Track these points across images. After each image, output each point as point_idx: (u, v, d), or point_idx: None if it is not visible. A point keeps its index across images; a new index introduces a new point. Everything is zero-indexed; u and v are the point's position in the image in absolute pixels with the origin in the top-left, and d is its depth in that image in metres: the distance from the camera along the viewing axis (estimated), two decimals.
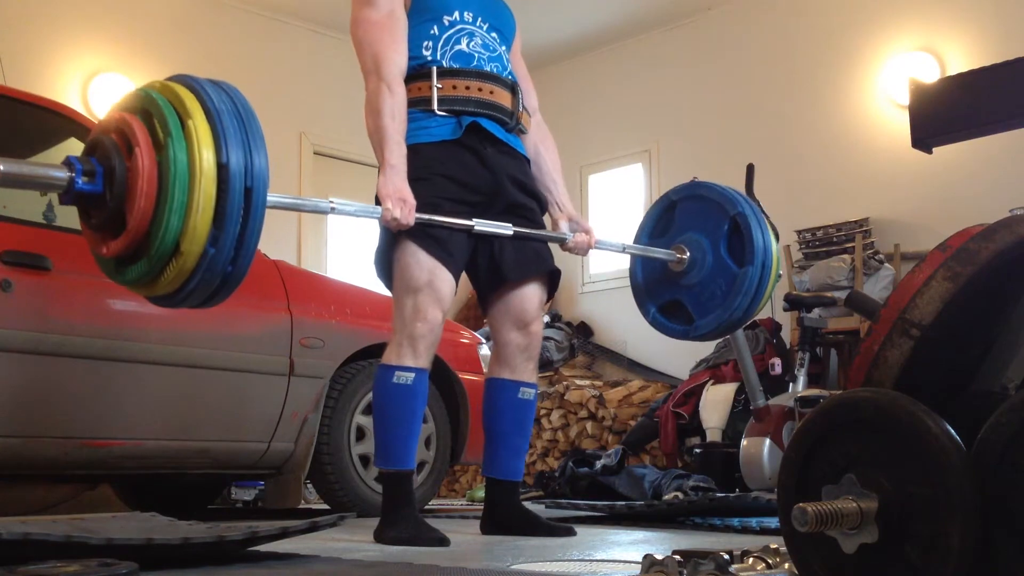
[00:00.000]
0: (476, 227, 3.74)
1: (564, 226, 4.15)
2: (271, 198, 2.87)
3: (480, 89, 3.91)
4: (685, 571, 1.93)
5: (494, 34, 4.11)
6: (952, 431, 1.55)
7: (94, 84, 8.60)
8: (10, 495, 4.75)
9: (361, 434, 5.29)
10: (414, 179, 3.74)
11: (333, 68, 10.20)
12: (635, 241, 4.57)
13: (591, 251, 4.37)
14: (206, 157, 2.70)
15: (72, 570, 2.17)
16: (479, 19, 4.05)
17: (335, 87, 10.17)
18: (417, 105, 3.90)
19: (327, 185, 10.14)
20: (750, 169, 7.10)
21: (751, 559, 2.00)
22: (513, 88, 4.10)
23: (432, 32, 3.92)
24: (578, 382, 9.39)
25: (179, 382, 4.71)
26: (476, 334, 6.26)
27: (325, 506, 5.56)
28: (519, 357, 4.09)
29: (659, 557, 1.98)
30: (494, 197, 3.90)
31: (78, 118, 4.88)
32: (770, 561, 1.99)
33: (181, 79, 2.89)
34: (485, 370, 5.85)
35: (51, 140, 4.89)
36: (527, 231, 3.92)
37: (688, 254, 4.49)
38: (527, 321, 4.05)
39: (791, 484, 1.71)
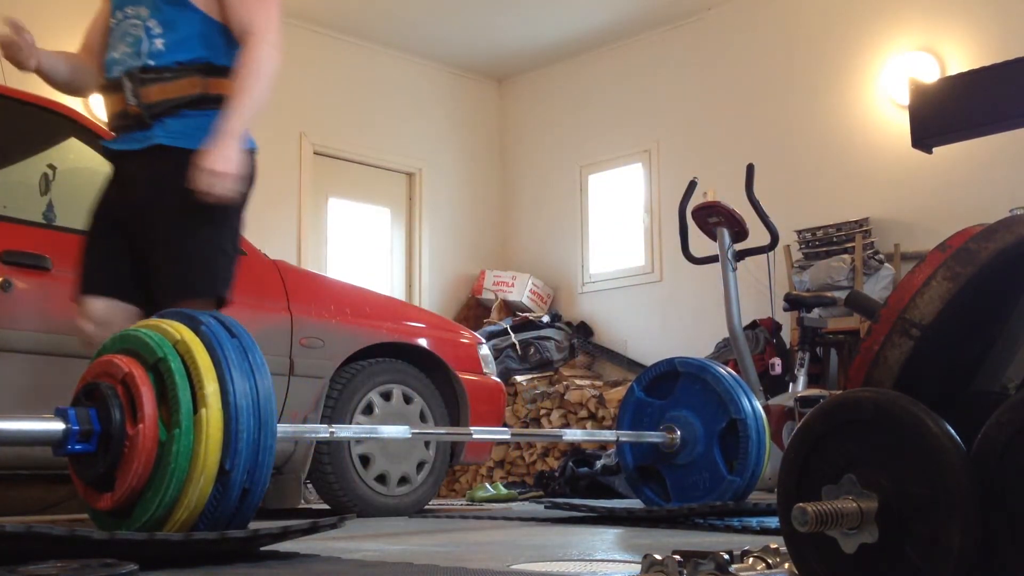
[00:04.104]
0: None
1: None
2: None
3: None
4: (685, 571, 1.93)
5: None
6: (952, 431, 1.55)
7: None
8: (9, 495, 4.75)
9: None
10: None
11: (333, 68, 10.21)
12: (630, 390, 4.68)
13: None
14: (211, 459, 2.63)
15: (73, 570, 2.16)
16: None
17: (335, 87, 10.18)
18: None
19: (327, 185, 10.14)
20: (750, 169, 7.11)
21: (751, 559, 2.00)
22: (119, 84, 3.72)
23: None
24: (578, 382, 9.39)
25: None
26: (476, 334, 6.26)
27: (325, 506, 5.56)
28: None
29: (659, 557, 1.98)
30: None
31: (78, 118, 4.87)
32: (770, 561, 1.99)
33: (209, 339, 2.77)
34: (486, 370, 5.87)
35: (51, 140, 4.89)
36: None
37: (678, 434, 4.59)
38: None
39: (791, 484, 1.71)
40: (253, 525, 2.88)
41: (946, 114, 1.92)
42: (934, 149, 1.99)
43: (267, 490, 4.79)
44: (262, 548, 2.94)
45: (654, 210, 10.20)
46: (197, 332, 2.79)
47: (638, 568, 2.02)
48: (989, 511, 1.52)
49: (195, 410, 2.66)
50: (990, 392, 1.88)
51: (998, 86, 1.83)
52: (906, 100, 2.25)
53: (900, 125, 8.22)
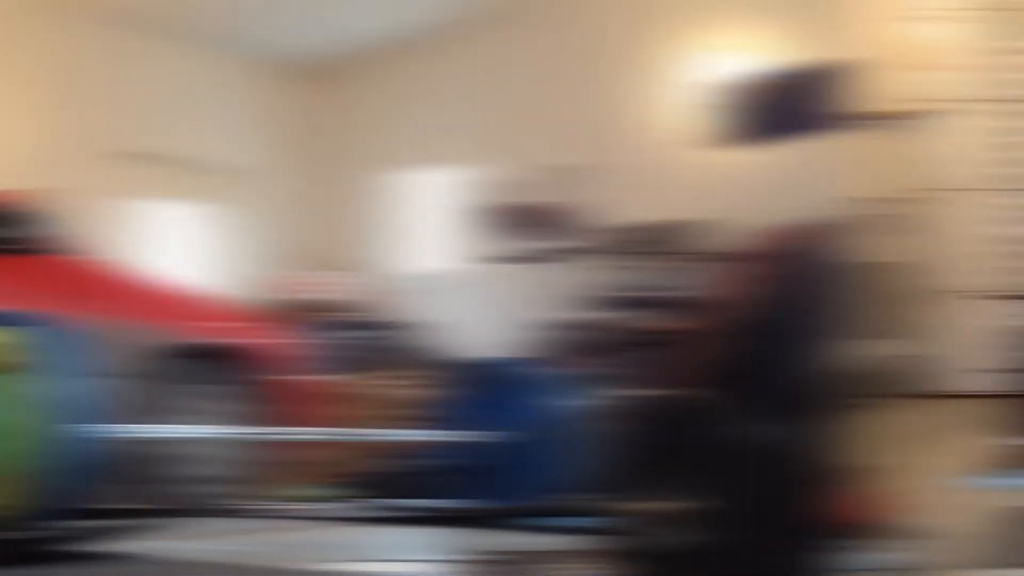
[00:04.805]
0: None
1: None
2: None
3: None
4: (495, 570, 1.95)
5: None
6: (764, 431, 1.58)
7: None
8: None
9: None
10: None
11: (146, 68, 9.98)
12: (451, 389, 4.75)
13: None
14: (23, 459, 2.58)
15: None
16: None
17: (146, 86, 9.96)
18: None
19: (138, 185, 9.92)
20: (566, 170, 7.16)
21: (565, 559, 2.03)
22: None
23: None
24: (399, 381, 9.36)
25: None
26: (296, 333, 6.21)
27: (140, 506, 5.47)
28: None
29: (474, 557, 2.00)
30: None
31: None
32: (584, 561, 2.02)
33: (22, 339, 2.72)
34: (304, 369, 5.83)
35: None
36: None
37: (497, 434, 4.66)
38: None
39: (610, 483, 1.74)
40: (68, 526, 2.83)
41: (756, 117, 1.97)
42: (748, 150, 2.04)
43: (80, 490, 4.68)
44: (74, 548, 2.88)
45: (471, 209, 10.21)
46: (8, 332, 2.73)
47: (451, 567, 2.03)
48: (800, 508, 1.56)
49: (6, 411, 2.60)
50: (804, 383, 1.93)
51: (798, 93, 1.89)
52: (719, 102, 2.31)
53: (711, 128, 8.35)
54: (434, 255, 10.54)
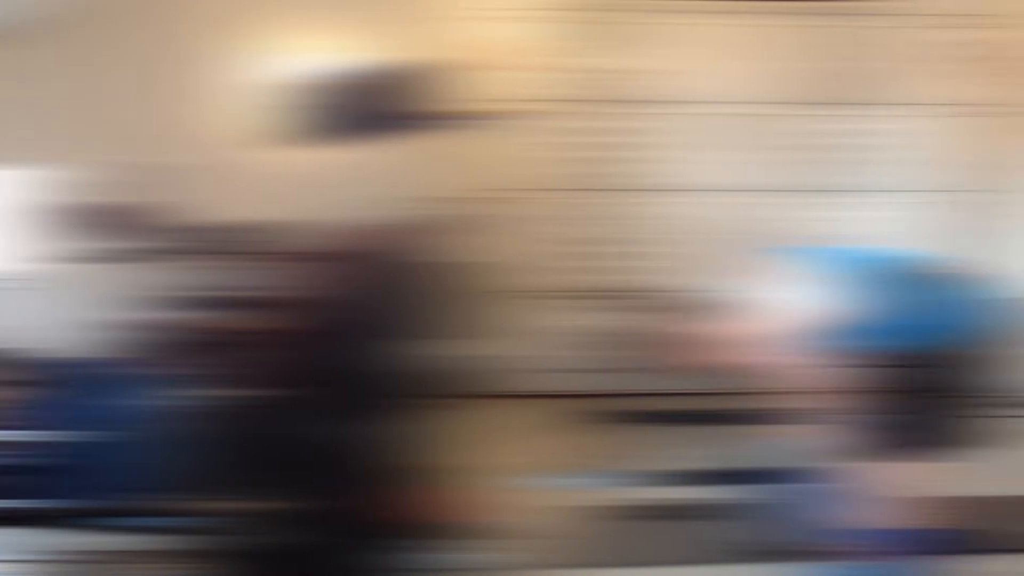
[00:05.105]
0: None
1: None
2: None
3: None
4: (72, 570, 1.88)
5: None
6: (336, 431, 1.59)
7: None
8: None
9: None
10: None
11: None
12: (33, 389, 4.58)
13: None
14: None
15: None
16: None
17: None
18: None
19: None
20: (144, 173, 7.02)
21: (140, 558, 1.98)
22: None
23: None
24: None
25: None
26: None
27: None
28: None
29: (46, 556, 1.92)
30: None
31: None
32: (160, 560, 1.98)
33: None
34: None
35: None
36: None
37: (84, 432, 4.54)
38: None
39: (192, 483, 1.70)
40: None
41: (331, 116, 1.97)
42: (322, 148, 2.03)
43: None
44: None
45: (45, 208, 9.86)
46: None
47: (27, 568, 1.95)
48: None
49: None
50: (378, 383, 1.94)
51: (375, 92, 1.90)
52: (295, 101, 2.30)
53: (288, 126, 8.35)
54: (7, 254, 10.13)
